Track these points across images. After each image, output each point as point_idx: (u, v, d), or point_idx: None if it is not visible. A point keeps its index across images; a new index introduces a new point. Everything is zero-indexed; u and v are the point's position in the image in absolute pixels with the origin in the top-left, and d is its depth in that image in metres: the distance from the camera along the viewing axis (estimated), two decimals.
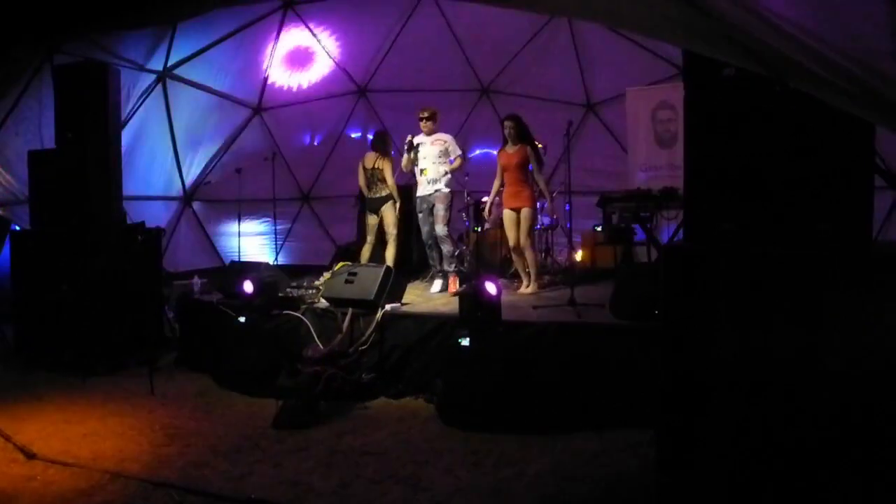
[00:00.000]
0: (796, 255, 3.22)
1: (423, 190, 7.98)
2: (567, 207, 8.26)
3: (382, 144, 8.40)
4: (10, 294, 7.86)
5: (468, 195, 9.25)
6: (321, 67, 11.20)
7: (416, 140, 7.95)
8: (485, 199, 8.87)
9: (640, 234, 8.41)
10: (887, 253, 3.52)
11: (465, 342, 5.67)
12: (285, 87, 11.33)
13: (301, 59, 10.95)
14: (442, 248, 7.93)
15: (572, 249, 9.57)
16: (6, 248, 8.02)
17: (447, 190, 7.95)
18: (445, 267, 7.98)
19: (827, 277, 3.17)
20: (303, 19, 10.40)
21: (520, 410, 5.34)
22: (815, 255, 3.19)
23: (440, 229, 7.82)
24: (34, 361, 7.42)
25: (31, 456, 4.87)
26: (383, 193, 8.14)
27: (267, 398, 6.02)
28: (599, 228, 9.30)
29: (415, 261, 9.26)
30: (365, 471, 4.67)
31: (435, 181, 7.89)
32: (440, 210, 7.83)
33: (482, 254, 9.11)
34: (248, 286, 6.95)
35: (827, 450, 3.15)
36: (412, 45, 10.87)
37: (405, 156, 7.96)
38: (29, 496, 4.27)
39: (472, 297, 5.88)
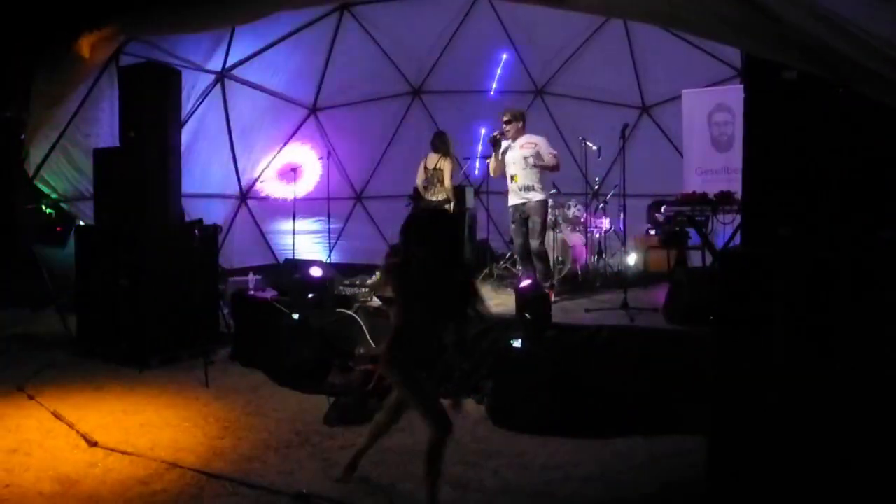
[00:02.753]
0: (855, 260, 3.15)
1: (514, 199, 7.39)
2: (622, 211, 8.19)
3: (443, 145, 8.39)
4: (75, 285, 8.12)
5: None
6: (376, 68, 11.29)
7: (503, 142, 7.35)
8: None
9: (694, 238, 8.32)
10: None
11: (517, 344, 5.67)
12: (340, 88, 11.46)
13: (356, 60, 11.06)
14: (536, 264, 7.29)
15: (625, 253, 9.50)
16: (72, 242, 8.29)
17: (542, 197, 7.27)
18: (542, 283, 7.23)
19: (886, 283, 3.10)
20: (359, 21, 10.51)
21: (569, 414, 5.32)
22: (874, 259, 3.12)
23: (534, 245, 7.22)
24: (94, 351, 7.64)
25: (92, 444, 5.03)
26: (440, 197, 8.14)
27: (319, 395, 6.10)
28: (653, 232, 9.21)
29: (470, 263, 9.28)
30: (414, 469, 4.68)
31: (527, 188, 7.27)
32: (536, 223, 7.20)
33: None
34: (315, 271, 6.96)
35: (887, 459, 3.08)
36: (467, 46, 10.91)
37: (493, 155, 7.43)
38: (91, 482, 4.41)
39: (524, 300, 5.88)
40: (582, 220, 9.17)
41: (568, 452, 4.95)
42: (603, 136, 9.10)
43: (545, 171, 7.28)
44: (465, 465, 4.75)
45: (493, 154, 7.39)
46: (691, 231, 8.19)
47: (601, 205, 9.34)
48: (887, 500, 3.09)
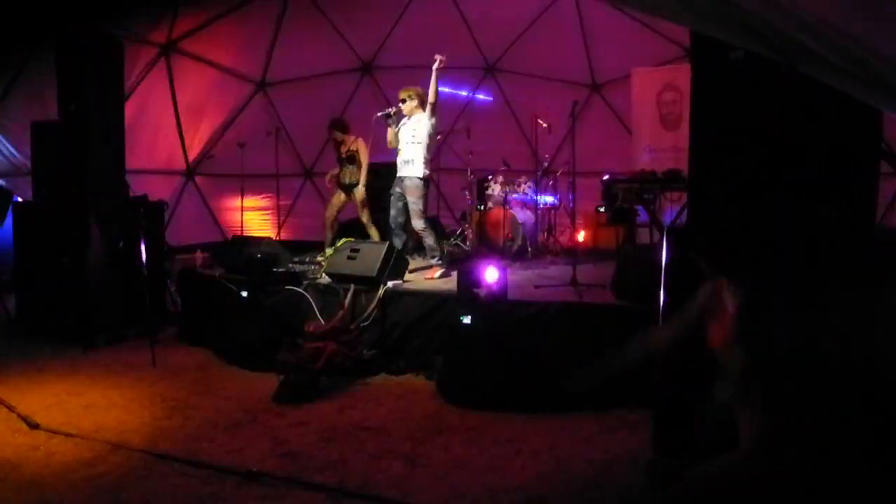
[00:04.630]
0: (796, 236, 3.22)
1: (398, 172, 7.50)
2: (570, 188, 8.26)
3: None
4: (13, 265, 7.89)
5: (471, 173, 9.24)
6: (326, 43, 11.13)
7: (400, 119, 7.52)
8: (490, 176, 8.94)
9: (642, 216, 8.42)
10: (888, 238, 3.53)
11: (467, 320, 5.69)
12: (289, 63, 11.28)
13: (306, 34, 10.88)
14: (423, 241, 7.52)
15: (574, 230, 9.59)
16: (8, 220, 8.03)
17: (419, 174, 7.30)
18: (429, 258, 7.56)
19: (826, 262, 3.18)
20: None
21: (519, 389, 5.37)
22: (814, 235, 3.20)
23: (414, 224, 7.37)
24: (35, 332, 7.45)
25: (34, 426, 4.90)
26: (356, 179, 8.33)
27: (268, 373, 6.05)
28: (602, 209, 9.30)
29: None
30: (364, 446, 4.70)
31: (406, 163, 7.40)
32: (412, 204, 7.31)
33: (485, 233, 9.10)
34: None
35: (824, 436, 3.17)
36: (418, 22, 10.81)
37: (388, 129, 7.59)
38: (33, 465, 4.31)
39: (469, 276, 5.88)
40: (532, 197, 9.22)
41: (518, 427, 5.01)
42: (553, 114, 9.13)
43: (427, 149, 7.37)
44: (415, 440, 4.77)
45: (389, 128, 7.56)
46: (639, 209, 8.29)
47: (551, 182, 9.39)
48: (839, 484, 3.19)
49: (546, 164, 9.69)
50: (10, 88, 8.36)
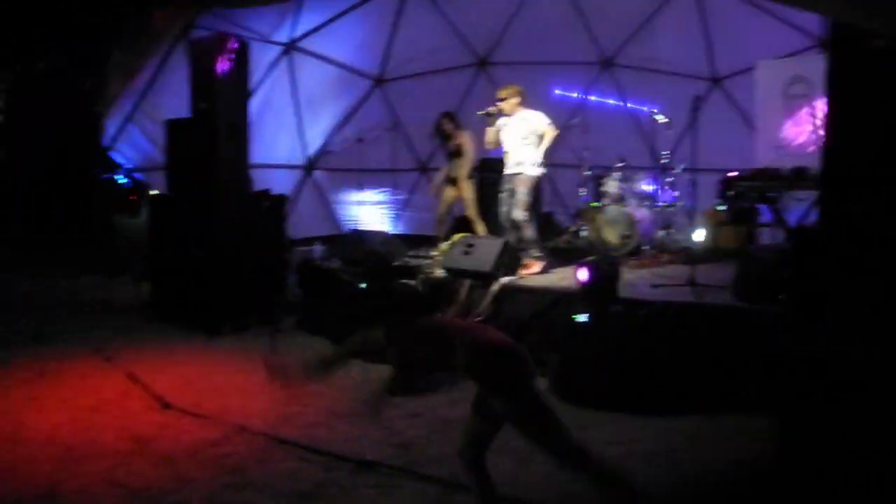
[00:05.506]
0: None
1: (506, 170, 7.51)
2: (690, 185, 8.01)
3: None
4: (148, 253, 8.37)
5: (587, 169, 9.12)
6: (442, 39, 11.22)
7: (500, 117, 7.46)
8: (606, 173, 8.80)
9: (765, 215, 8.09)
10: None
11: (583, 319, 5.62)
12: (406, 59, 11.43)
13: (422, 30, 11.00)
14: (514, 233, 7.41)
15: (694, 228, 9.30)
16: (145, 211, 8.53)
17: (531, 173, 7.30)
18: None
19: None
20: None
21: (634, 390, 5.27)
22: None
23: (514, 214, 7.28)
24: (167, 318, 7.88)
25: (166, 406, 5.20)
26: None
27: (383, 364, 6.16)
28: (722, 208, 8.99)
29: None
30: None
31: (517, 163, 7.35)
32: (519, 194, 7.26)
33: (600, 230, 8.95)
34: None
35: None
36: (534, 16, 10.74)
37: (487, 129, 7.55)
38: (165, 442, 4.58)
39: (588, 275, 5.81)
40: (649, 194, 9.00)
41: (631, 429, 4.91)
42: (671, 109, 8.87)
43: (538, 146, 7.30)
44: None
45: (488, 128, 7.50)
46: (762, 207, 7.98)
47: (669, 179, 9.14)
48: None
49: (664, 160, 9.44)
50: (148, 89, 8.85)
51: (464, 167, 8.38)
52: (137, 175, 9.53)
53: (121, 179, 9.47)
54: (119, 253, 9.18)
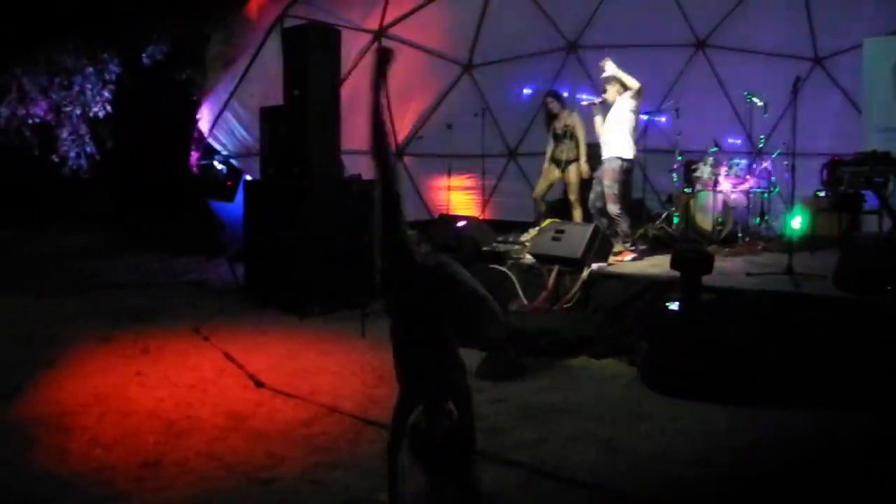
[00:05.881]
0: None
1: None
2: (788, 170, 7.71)
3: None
4: (243, 237, 8.63)
5: (679, 154, 8.90)
6: (531, 23, 11.11)
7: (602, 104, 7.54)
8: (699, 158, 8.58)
9: (870, 202, 7.71)
10: None
11: (674, 306, 5.50)
12: (495, 44, 11.38)
13: (511, 14, 10.92)
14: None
15: (791, 215, 8.95)
16: (240, 196, 8.79)
17: (616, 156, 7.23)
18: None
19: None
20: None
21: (727, 380, 5.11)
22: None
23: (609, 208, 7.26)
24: (261, 299, 8.12)
25: (260, 385, 5.37)
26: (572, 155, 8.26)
27: (469, 349, 6.19)
28: (822, 194, 8.62)
29: None
30: (561, 427, 4.69)
31: (607, 145, 7.37)
32: (606, 188, 7.25)
33: (692, 217, 8.73)
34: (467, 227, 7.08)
35: None
36: None
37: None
38: (259, 420, 4.73)
39: (681, 262, 5.69)
40: (744, 179, 8.71)
41: (723, 420, 4.78)
42: (768, 91, 8.55)
43: (629, 132, 7.27)
44: (614, 426, 4.70)
45: (596, 117, 7.55)
46: (867, 194, 7.61)
47: (765, 164, 8.82)
48: None
49: (761, 144, 9.11)
50: (243, 78, 9.10)
51: (573, 150, 8.28)
52: (233, 161, 9.82)
53: (217, 165, 9.78)
54: (216, 236, 9.50)
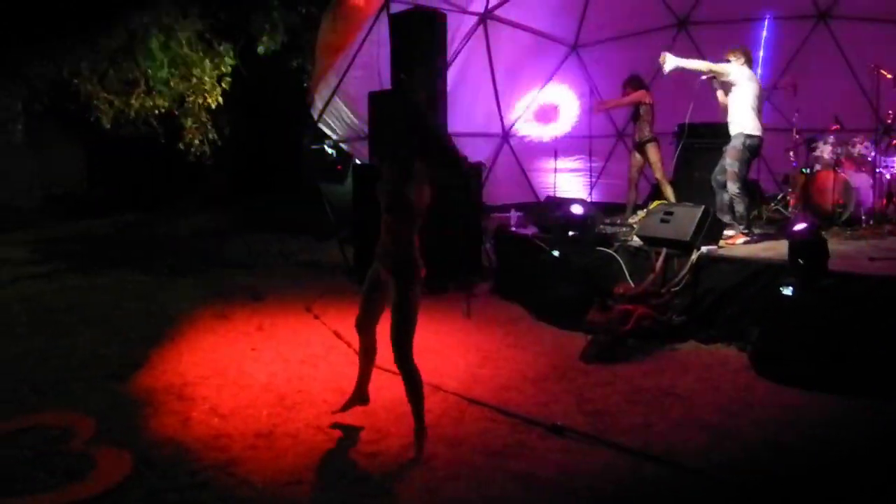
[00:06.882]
0: None
1: None
2: None
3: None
4: (352, 219, 8.86)
5: (797, 132, 8.51)
6: (638, 1, 10.83)
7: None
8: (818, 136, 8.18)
9: None
10: None
11: (788, 291, 5.30)
12: (601, 24, 11.17)
13: None
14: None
15: None
16: (350, 179, 9.02)
17: (738, 131, 6.98)
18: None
19: None
20: None
21: (843, 370, 4.89)
22: None
23: (728, 187, 7.05)
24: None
25: None
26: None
27: (576, 331, 6.17)
28: None
29: None
30: (669, 412, 4.62)
31: (731, 122, 7.14)
32: (726, 165, 7.05)
33: (811, 198, 8.34)
34: (577, 208, 7.26)
35: None
36: None
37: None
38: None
39: (798, 244, 5.47)
40: (869, 158, 8.24)
41: (838, 411, 4.60)
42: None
43: (751, 109, 6.98)
44: (723, 412, 4.59)
45: (718, 91, 7.38)
46: None
47: (894, 141, 8.31)
48: None
49: (889, 121, 8.59)
50: (351, 64, 9.30)
51: (645, 129, 8.24)
52: (343, 145, 10.06)
53: (328, 150, 10.03)
54: (326, 219, 9.78)
